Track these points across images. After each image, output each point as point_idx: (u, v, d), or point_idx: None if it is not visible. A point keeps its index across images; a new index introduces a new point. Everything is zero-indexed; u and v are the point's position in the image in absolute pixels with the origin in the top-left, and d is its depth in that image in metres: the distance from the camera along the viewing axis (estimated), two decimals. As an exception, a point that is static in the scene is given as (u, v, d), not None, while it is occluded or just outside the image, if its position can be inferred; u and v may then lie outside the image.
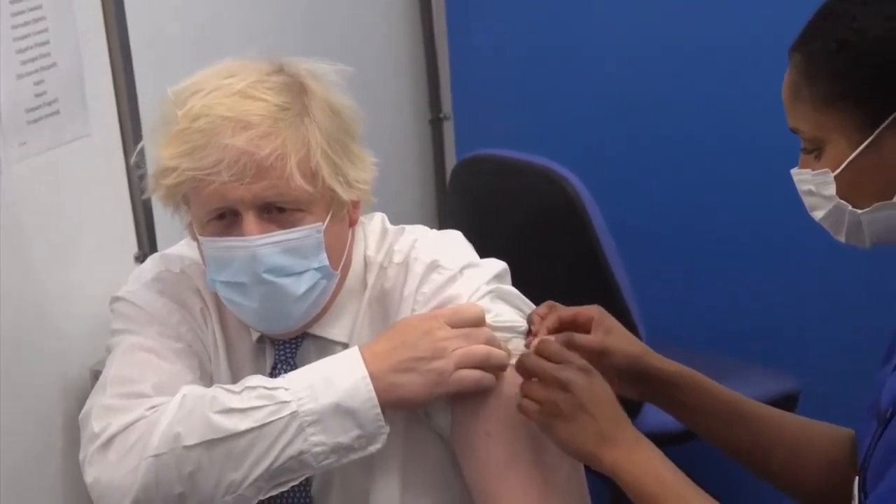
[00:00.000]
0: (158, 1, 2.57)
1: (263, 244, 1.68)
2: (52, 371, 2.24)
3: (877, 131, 1.50)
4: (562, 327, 1.73)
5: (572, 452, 1.62)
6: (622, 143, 3.30)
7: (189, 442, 1.64)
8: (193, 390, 1.70)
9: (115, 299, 1.86)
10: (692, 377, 1.79)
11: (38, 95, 2.23)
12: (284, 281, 1.70)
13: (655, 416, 2.83)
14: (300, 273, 1.70)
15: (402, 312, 1.76)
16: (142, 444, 1.66)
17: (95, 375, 2.28)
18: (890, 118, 1.50)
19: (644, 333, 2.74)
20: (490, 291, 1.75)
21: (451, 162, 3.50)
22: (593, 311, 1.76)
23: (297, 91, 1.71)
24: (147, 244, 2.46)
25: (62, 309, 2.29)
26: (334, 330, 1.79)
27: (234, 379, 1.78)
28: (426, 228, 1.86)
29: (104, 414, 1.72)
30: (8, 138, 2.17)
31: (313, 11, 3.09)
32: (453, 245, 1.82)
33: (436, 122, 3.54)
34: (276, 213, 1.69)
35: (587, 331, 1.74)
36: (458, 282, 1.74)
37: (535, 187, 2.78)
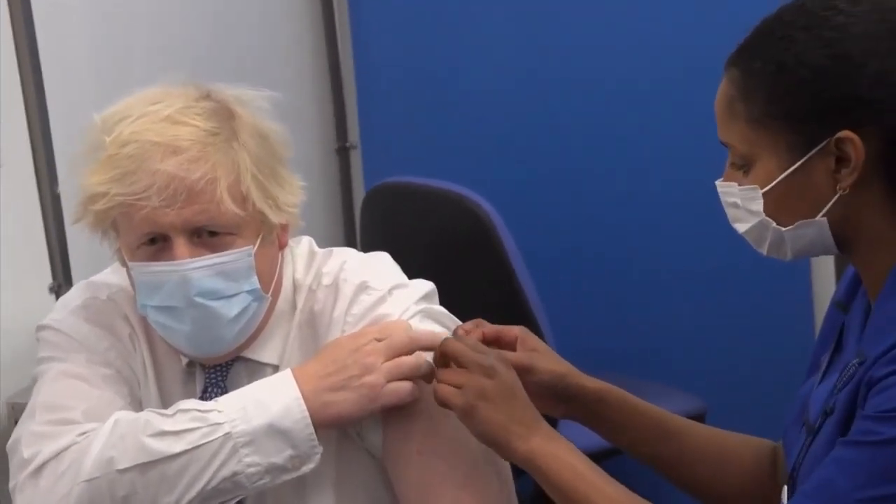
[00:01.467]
0: (70, 30, 2.56)
1: (194, 268, 1.67)
2: None
3: (808, 155, 1.51)
4: (487, 342, 1.73)
5: (489, 438, 1.62)
6: (528, 167, 3.32)
7: (122, 466, 1.62)
8: (125, 415, 1.68)
9: (42, 328, 1.83)
10: (616, 394, 1.80)
11: None
12: (216, 304, 1.69)
13: (568, 436, 2.90)
14: (231, 296, 1.70)
15: (331, 334, 1.75)
16: (74, 469, 1.64)
17: (12, 407, 2.26)
18: (822, 144, 1.51)
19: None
20: (420, 311, 1.76)
21: (358, 190, 3.50)
22: (517, 330, 1.77)
23: (225, 116, 1.71)
24: (62, 274, 2.45)
25: None
26: (265, 353, 1.78)
27: (164, 404, 1.77)
28: (353, 251, 1.86)
29: (34, 441, 1.69)
30: (-83, 169, 2.17)
31: (218, 42, 3.10)
32: (382, 266, 1.83)
33: (342, 151, 3.55)
34: (207, 237, 1.68)
35: (511, 349, 1.75)
36: (387, 302, 1.74)
37: (446, 213, 2.79)
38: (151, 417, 1.65)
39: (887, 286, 1.52)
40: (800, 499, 1.48)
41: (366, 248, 2.88)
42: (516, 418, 1.60)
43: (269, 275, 1.74)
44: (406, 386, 1.66)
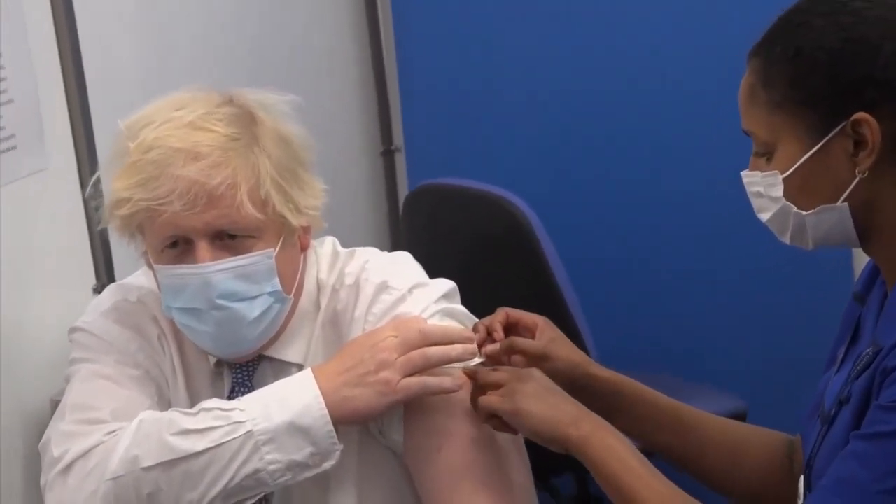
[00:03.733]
0: (113, 36, 2.58)
1: (216, 270, 1.70)
2: (11, 402, 2.22)
3: (826, 138, 1.52)
4: (507, 327, 1.77)
5: (541, 433, 1.64)
6: (569, 170, 3.31)
7: (147, 463, 1.65)
8: (150, 414, 1.71)
9: (74, 329, 1.87)
10: (631, 385, 1.83)
11: None
12: (238, 306, 1.72)
13: None
14: (253, 298, 1.72)
15: (353, 333, 1.77)
16: (101, 468, 1.67)
17: (55, 406, 2.26)
18: (839, 126, 1.51)
19: (596, 356, 2.74)
20: (439, 311, 1.77)
21: (403, 192, 3.51)
22: (539, 319, 1.80)
23: (246, 121, 1.73)
24: (105, 275, 2.46)
25: (21, 340, 2.28)
26: (289, 352, 1.81)
27: (193, 403, 1.79)
28: (376, 250, 1.88)
29: (63, 440, 1.72)
30: (-33, 172, 2.18)
31: (263, 46, 3.11)
32: (403, 266, 1.84)
33: (387, 154, 3.56)
34: (228, 240, 1.71)
35: (531, 336, 1.78)
36: (407, 301, 1.76)
37: (485, 214, 2.79)
38: (175, 416, 1.68)
39: None
40: (822, 494, 1.47)
41: (407, 249, 2.88)
42: (562, 409, 1.64)
43: (290, 276, 1.76)
44: (419, 381, 1.67)
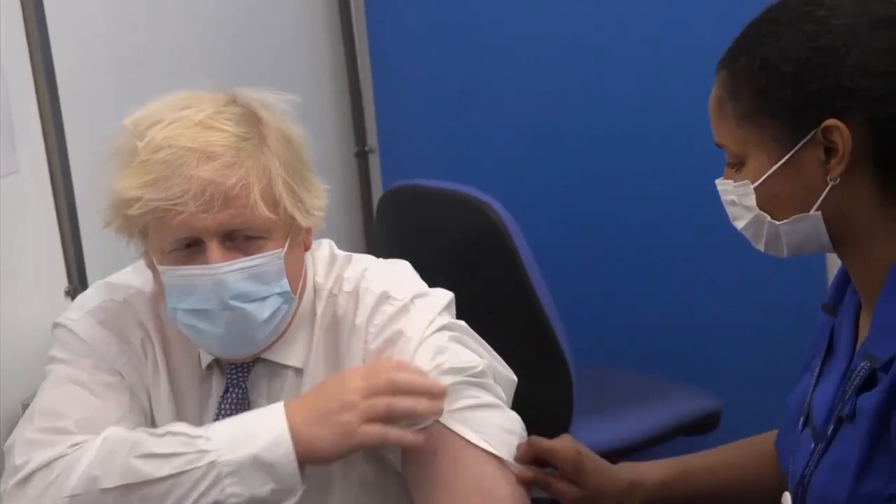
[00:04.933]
0: (84, 38, 2.57)
1: (229, 271, 1.69)
2: None
3: (796, 147, 1.53)
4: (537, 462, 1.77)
5: None
6: (542, 170, 3.34)
7: (106, 485, 1.62)
8: (116, 432, 1.68)
9: (57, 325, 1.85)
10: (682, 477, 1.86)
11: None
12: (249, 306, 1.70)
13: (583, 438, 2.88)
14: (263, 298, 1.71)
15: (353, 342, 1.77)
16: (60, 483, 1.64)
17: (27, 409, 2.27)
18: (808, 136, 1.52)
19: (570, 356, 2.78)
20: (443, 327, 1.76)
21: (377, 193, 3.53)
22: (566, 448, 1.80)
23: (252, 121, 1.72)
24: (77, 279, 2.45)
25: None
26: (288, 356, 1.80)
27: (178, 406, 1.79)
28: (373, 258, 1.87)
29: (27, 448, 1.70)
30: (-63, 175, 2.18)
31: (235, 47, 3.10)
32: (402, 275, 1.84)
33: (361, 155, 3.57)
34: (239, 240, 1.70)
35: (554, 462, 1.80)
36: (409, 312, 1.75)
37: (459, 215, 2.81)
38: (141, 438, 1.65)
39: (889, 284, 1.52)
40: None
41: (381, 250, 2.90)
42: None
43: (296, 277, 1.75)
44: (378, 430, 1.63)
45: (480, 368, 1.73)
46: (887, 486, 1.48)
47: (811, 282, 3.16)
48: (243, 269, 1.69)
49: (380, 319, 1.76)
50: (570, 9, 3.28)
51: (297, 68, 3.32)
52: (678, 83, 3.17)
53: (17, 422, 2.28)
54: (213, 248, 1.68)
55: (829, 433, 1.56)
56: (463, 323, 1.80)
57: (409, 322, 1.74)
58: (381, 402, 1.63)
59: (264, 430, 1.63)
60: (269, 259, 1.70)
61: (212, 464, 1.61)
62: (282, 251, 1.71)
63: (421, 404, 1.64)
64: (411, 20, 3.42)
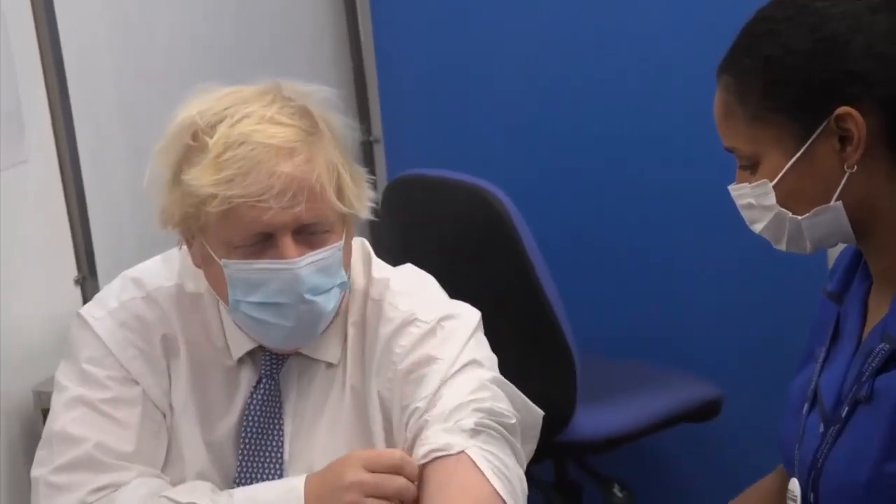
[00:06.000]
0: (92, 34, 2.59)
1: (304, 265, 1.68)
2: None
3: (809, 140, 1.53)
4: None
5: None
6: (546, 160, 3.33)
7: None
8: (139, 497, 1.69)
9: (80, 318, 1.82)
10: None
11: None
12: (320, 299, 1.70)
13: (586, 425, 2.87)
14: (328, 290, 1.71)
15: (377, 352, 1.76)
16: None
17: (39, 395, 2.32)
18: (821, 127, 1.52)
19: (574, 345, 2.77)
20: (470, 362, 1.74)
21: (382, 183, 3.51)
22: None
23: (307, 114, 1.70)
24: (86, 268, 2.47)
25: (4, 332, 2.29)
26: (322, 350, 1.78)
27: (198, 403, 1.78)
28: (391, 268, 1.84)
29: (51, 494, 1.71)
30: (-51, 166, 2.21)
31: (241, 39, 3.10)
32: (428, 293, 1.82)
33: (366, 145, 3.56)
34: (306, 234, 1.68)
35: None
36: (437, 335, 1.74)
37: (463, 204, 2.80)
38: None
39: None
40: None
41: (386, 238, 2.90)
42: None
43: (348, 268, 1.75)
44: None
45: (513, 422, 1.72)
46: None
47: (810, 272, 3.16)
48: (314, 262, 1.68)
49: (406, 341, 1.74)
50: (570, 3, 3.27)
51: (304, 59, 3.32)
52: (677, 78, 3.16)
53: (28, 407, 2.33)
54: (289, 242, 1.66)
55: (843, 416, 1.56)
56: (492, 355, 1.79)
57: (438, 346, 1.73)
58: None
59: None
60: (333, 251, 1.70)
61: None
62: (341, 242, 1.71)
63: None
64: (416, 11, 3.40)
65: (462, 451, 1.63)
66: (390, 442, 1.75)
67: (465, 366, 1.73)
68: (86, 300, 2.40)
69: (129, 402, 1.76)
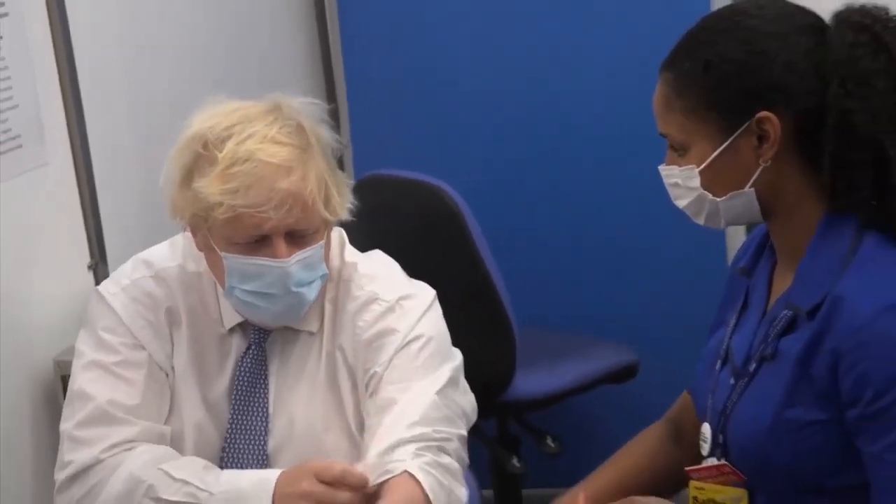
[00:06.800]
0: (103, 53, 2.55)
1: (293, 263, 1.71)
2: (18, 361, 2.21)
3: (733, 136, 1.55)
4: None
5: None
6: (493, 160, 3.33)
7: None
8: (143, 462, 1.72)
9: (98, 293, 1.85)
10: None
11: (3, 132, 2.22)
12: (304, 290, 1.73)
13: (524, 387, 2.86)
14: (311, 282, 1.74)
15: (345, 324, 1.80)
16: (94, 494, 1.72)
17: (58, 365, 2.28)
18: (744, 127, 1.54)
19: (515, 319, 2.79)
20: (422, 335, 1.77)
21: (349, 183, 3.46)
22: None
23: (300, 131, 1.72)
24: (98, 255, 2.45)
25: (27, 309, 2.27)
26: (304, 323, 1.81)
27: (197, 364, 1.82)
28: (366, 254, 1.88)
29: (71, 446, 1.76)
30: (-19, 168, 2.18)
31: (212, 44, 2.98)
32: (389, 275, 1.85)
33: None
34: (297, 237, 1.71)
35: None
36: (395, 312, 1.78)
37: (418, 199, 2.80)
38: (157, 481, 1.70)
39: (812, 246, 1.56)
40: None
41: (355, 232, 2.88)
42: None
43: (327, 260, 1.77)
44: None
45: (453, 440, 1.73)
46: (808, 414, 1.52)
47: (713, 252, 3.19)
48: (301, 260, 1.70)
49: (369, 317, 1.77)
50: (530, 11, 3.26)
51: (273, 68, 3.22)
52: (610, 86, 3.19)
53: (49, 375, 2.30)
54: (281, 244, 1.69)
55: (751, 371, 1.58)
56: (444, 329, 1.82)
57: (396, 320, 1.77)
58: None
59: (255, 495, 1.66)
60: (316, 249, 1.72)
61: None
62: (323, 241, 1.73)
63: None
64: (382, 24, 3.36)
65: (404, 471, 1.64)
66: (356, 399, 1.78)
67: (417, 337, 1.77)
68: (97, 282, 2.31)
69: (137, 365, 1.79)
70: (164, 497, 1.68)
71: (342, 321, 1.80)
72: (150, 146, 2.58)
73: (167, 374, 1.81)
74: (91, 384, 1.77)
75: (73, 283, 2.39)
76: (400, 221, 2.82)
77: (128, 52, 2.64)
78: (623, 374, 3.05)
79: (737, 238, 3.22)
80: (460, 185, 2.83)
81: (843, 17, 1.57)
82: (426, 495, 1.63)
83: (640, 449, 1.82)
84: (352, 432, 1.79)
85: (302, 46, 3.41)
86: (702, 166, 1.56)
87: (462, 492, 1.72)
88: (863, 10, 1.56)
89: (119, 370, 1.78)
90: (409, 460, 1.66)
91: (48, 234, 2.36)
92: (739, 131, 1.54)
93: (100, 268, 2.44)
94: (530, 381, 2.81)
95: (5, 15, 2.22)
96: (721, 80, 1.54)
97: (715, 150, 1.55)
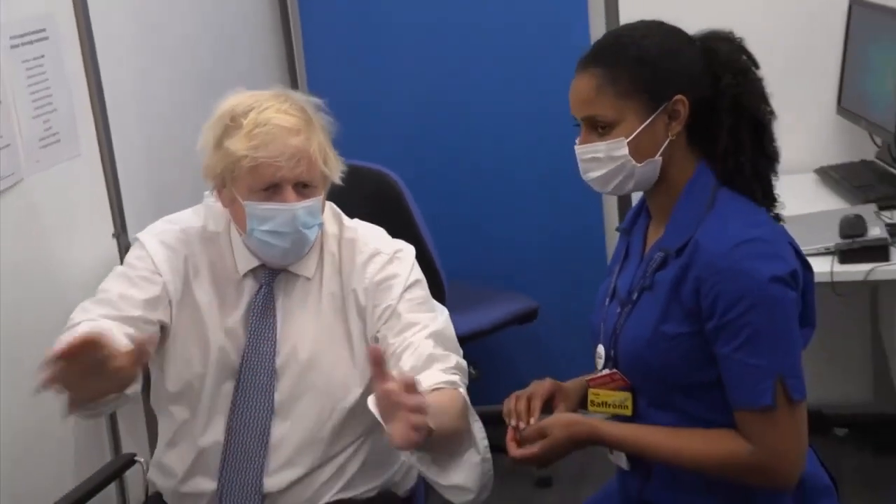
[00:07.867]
0: (121, 68, 2.55)
1: (301, 207, 1.79)
2: (55, 309, 2.13)
3: (655, 114, 1.60)
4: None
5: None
6: (427, 149, 3.37)
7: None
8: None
9: (136, 239, 1.94)
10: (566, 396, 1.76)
11: (45, 129, 2.26)
12: (307, 231, 1.82)
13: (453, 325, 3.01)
14: (312, 227, 1.82)
15: (354, 272, 1.87)
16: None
17: None
18: (663, 106, 1.60)
19: (444, 276, 2.83)
20: (418, 280, 1.88)
21: None
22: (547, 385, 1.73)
23: (303, 110, 1.82)
24: (119, 226, 2.48)
25: (63, 268, 2.30)
26: (302, 269, 1.89)
27: (219, 301, 1.88)
28: (360, 222, 1.96)
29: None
30: (28, 158, 2.20)
31: (217, 61, 2.95)
32: (383, 236, 1.94)
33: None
34: (302, 188, 1.80)
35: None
36: (394, 262, 1.87)
37: (369, 183, 2.77)
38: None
39: (682, 197, 1.62)
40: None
41: None
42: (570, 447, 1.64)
43: (323, 214, 1.88)
44: None
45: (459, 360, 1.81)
46: (678, 328, 1.58)
47: (592, 215, 3.32)
48: (305, 207, 1.78)
49: (375, 266, 1.86)
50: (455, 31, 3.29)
51: (244, 73, 3.16)
52: (504, 97, 3.25)
53: None
54: (291, 192, 1.77)
55: (633, 299, 1.64)
56: (421, 276, 1.89)
57: (397, 267, 1.86)
58: None
59: None
60: (317, 201, 1.80)
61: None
62: (321, 197, 1.81)
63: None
64: (341, 38, 3.37)
65: (454, 385, 1.73)
66: (361, 329, 1.86)
67: (416, 280, 1.87)
68: (120, 249, 2.42)
69: (151, 281, 1.87)
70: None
71: (351, 270, 1.86)
72: (156, 140, 2.67)
73: (170, 301, 1.87)
74: (111, 283, 1.87)
75: (99, 248, 2.42)
76: (352, 200, 2.68)
77: (137, 68, 2.67)
78: (526, 317, 3.10)
79: (610, 205, 3.35)
80: (400, 172, 2.84)
81: (708, 35, 1.65)
82: (465, 401, 1.72)
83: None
84: (346, 356, 1.87)
85: (270, 60, 3.38)
86: (630, 138, 1.58)
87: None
88: (718, 32, 1.65)
89: (136, 279, 1.86)
90: (448, 376, 1.72)
91: (80, 210, 2.39)
92: (660, 110, 1.58)
93: (121, 238, 2.48)
94: (458, 323, 2.67)
95: (46, 38, 2.26)
96: (647, 72, 1.58)
97: (641, 124, 1.58)
